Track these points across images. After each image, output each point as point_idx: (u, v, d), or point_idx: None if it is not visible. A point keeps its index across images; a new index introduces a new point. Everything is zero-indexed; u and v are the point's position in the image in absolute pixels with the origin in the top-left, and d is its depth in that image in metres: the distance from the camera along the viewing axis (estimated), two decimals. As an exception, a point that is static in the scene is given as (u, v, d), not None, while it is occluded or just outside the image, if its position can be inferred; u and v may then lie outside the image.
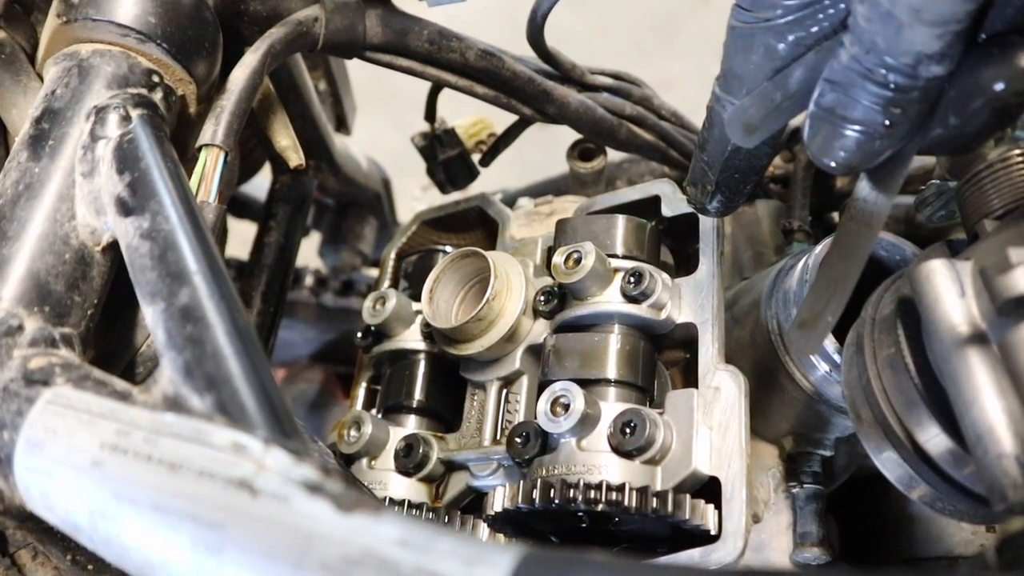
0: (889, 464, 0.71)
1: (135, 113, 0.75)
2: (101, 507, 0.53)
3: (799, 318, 0.71)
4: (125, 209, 0.69)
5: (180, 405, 0.56)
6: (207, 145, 0.81)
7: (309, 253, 1.71)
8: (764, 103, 0.66)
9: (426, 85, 1.16)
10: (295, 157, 0.97)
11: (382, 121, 2.24)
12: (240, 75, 0.85)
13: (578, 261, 0.89)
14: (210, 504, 0.49)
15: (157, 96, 0.80)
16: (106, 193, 0.71)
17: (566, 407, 0.82)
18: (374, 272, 1.77)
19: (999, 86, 0.57)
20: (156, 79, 0.80)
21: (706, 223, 0.93)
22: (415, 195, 1.97)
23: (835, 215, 1.15)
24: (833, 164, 0.63)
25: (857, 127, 0.60)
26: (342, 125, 1.52)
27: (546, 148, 1.56)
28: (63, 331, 0.67)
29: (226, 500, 0.49)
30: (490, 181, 1.32)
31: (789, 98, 0.65)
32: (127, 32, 0.79)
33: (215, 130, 0.81)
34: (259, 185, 1.53)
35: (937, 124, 0.61)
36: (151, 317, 0.62)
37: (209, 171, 0.79)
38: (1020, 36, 0.57)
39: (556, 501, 0.79)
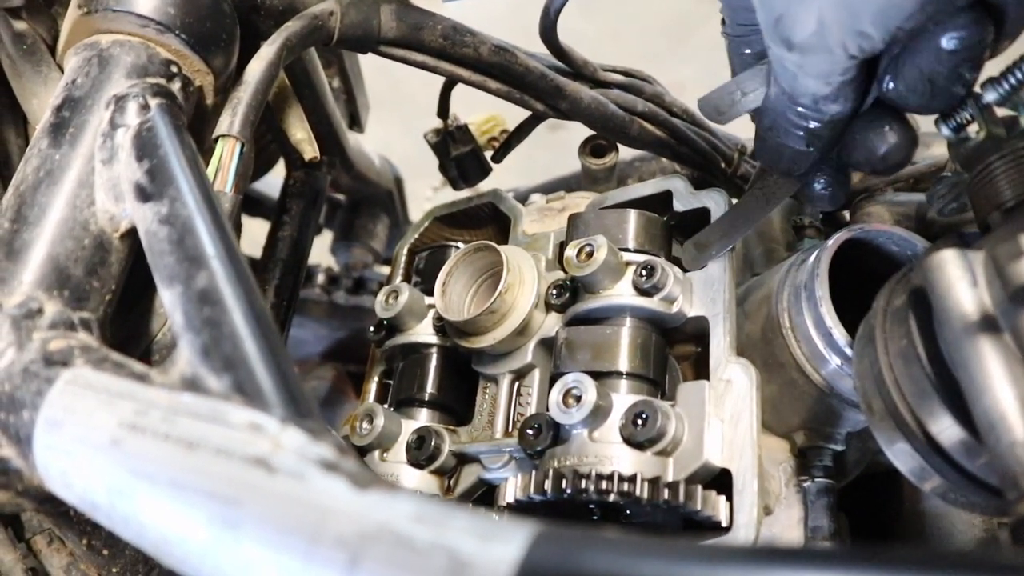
0: (901, 455, 0.70)
1: (154, 102, 0.76)
2: (119, 485, 0.54)
3: (698, 239, 0.89)
4: (144, 195, 0.70)
5: (197, 385, 0.57)
6: (224, 135, 0.81)
7: (321, 251, 1.72)
8: (726, 98, 0.80)
9: (437, 88, 1.16)
10: (310, 150, 0.98)
11: (393, 125, 2.25)
12: (257, 67, 0.86)
13: (590, 254, 0.89)
14: (227, 481, 0.50)
15: (175, 86, 0.81)
16: (125, 180, 0.72)
17: (578, 398, 0.82)
18: (386, 270, 1.78)
19: (880, 150, 0.72)
20: (175, 69, 0.81)
21: (717, 218, 0.93)
22: (427, 195, 1.97)
23: (846, 213, 1.15)
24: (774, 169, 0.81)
25: (789, 147, 0.75)
26: (355, 122, 1.53)
27: (556, 151, 1.56)
28: (82, 315, 0.68)
29: (243, 477, 0.50)
30: (501, 184, 1.32)
31: (743, 100, 0.79)
32: (147, 23, 0.80)
33: (232, 121, 0.82)
34: (272, 183, 1.54)
35: (842, 149, 0.76)
36: (169, 300, 0.62)
37: (226, 161, 0.80)
38: (893, 116, 0.71)
39: (568, 491, 0.79)
